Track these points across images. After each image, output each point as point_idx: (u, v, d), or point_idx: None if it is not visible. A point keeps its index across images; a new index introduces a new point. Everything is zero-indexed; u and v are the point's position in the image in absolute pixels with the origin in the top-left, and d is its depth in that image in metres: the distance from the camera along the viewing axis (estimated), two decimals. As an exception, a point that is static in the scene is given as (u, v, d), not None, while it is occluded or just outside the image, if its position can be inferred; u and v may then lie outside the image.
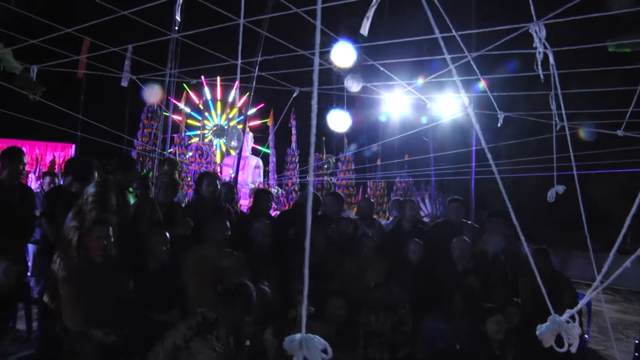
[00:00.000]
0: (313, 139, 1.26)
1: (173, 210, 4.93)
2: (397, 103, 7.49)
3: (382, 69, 5.09)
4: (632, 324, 8.14)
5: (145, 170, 13.02)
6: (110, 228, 3.89)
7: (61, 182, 6.72)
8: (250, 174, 15.79)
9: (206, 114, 20.29)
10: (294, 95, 7.32)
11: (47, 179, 7.23)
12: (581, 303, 1.36)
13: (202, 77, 14.31)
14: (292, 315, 4.08)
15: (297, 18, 4.07)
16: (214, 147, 18.27)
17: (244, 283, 3.68)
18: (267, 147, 17.30)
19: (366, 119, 14.18)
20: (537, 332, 1.22)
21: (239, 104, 18.80)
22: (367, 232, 5.56)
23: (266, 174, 16.68)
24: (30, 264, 6.17)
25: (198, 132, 19.20)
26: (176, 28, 6.93)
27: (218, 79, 16.54)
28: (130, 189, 5.64)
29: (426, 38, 3.83)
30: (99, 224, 3.84)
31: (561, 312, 1.37)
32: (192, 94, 19.04)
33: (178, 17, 6.05)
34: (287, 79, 7.12)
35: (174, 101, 13.38)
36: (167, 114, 10.75)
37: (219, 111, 20.76)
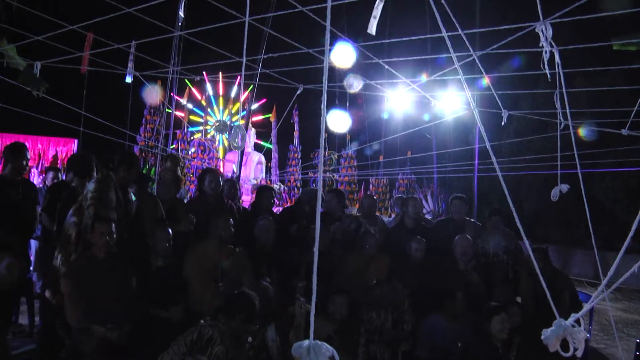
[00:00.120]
0: (323, 137, 1.26)
1: (176, 207, 4.93)
2: (401, 100, 7.48)
3: (386, 67, 5.07)
4: (633, 323, 8.15)
5: (147, 166, 13.02)
6: (113, 225, 3.89)
7: (63, 178, 6.73)
8: (252, 170, 15.81)
9: (208, 110, 20.29)
10: (298, 92, 7.30)
11: (51, 174, 7.24)
12: (586, 307, 1.36)
13: (204, 73, 14.31)
14: (291, 313, 4.07)
15: (300, 15, 4.05)
16: (217, 142, 18.28)
17: (246, 293, 3.63)
18: (270, 143, 17.29)
19: (369, 115, 14.17)
20: (542, 337, 1.22)
21: (242, 98, 18.81)
22: (369, 229, 5.56)
23: (268, 169, 16.69)
24: (32, 258, 6.19)
25: (200, 127, 19.21)
26: (180, 24, 6.93)
27: (220, 75, 16.54)
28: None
29: (432, 37, 3.82)
30: (102, 221, 3.83)
31: (561, 310, 1.36)
32: (194, 90, 19.03)
33: (182, 14, 6.05)
34: (290, 76, 7.11)
35: (177, 97, 13.37)
36: (170, 111, 10.75)
37: (221, 107, 20.77)
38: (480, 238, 5.58)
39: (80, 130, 8.09)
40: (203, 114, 20.16)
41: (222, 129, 19.86)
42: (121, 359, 3.54)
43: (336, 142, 16.33)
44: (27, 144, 7.10)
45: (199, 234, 4.69)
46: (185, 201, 6.48)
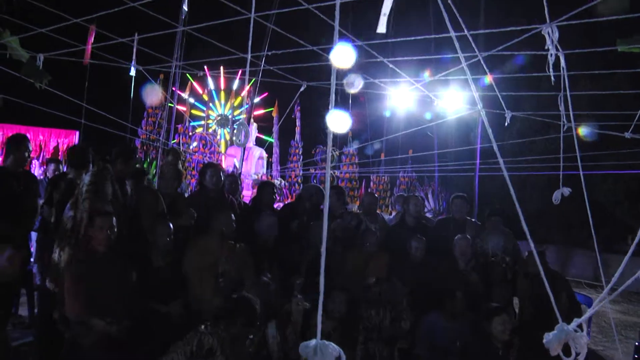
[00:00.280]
0: (330, 135, 1.26)
1: (177, 201, 4.93)
2: (403, 99, 7.47)
3: (391, 65, 5.06)
4: (632, 325, 8.14)
5: (149, 160, 13.01)
6: (114, 218, 3.88)
7: (64, 170, 6.72)
8: (253, 165, 15.81)
9: (210, 104, 20.27)
10: (302, 89, 7.29)
11: (52, 166, 7.23)
12: (589, 312, 1.36)
13: (206, 67, 14.27)
14: (288, 310, 4.07)
15: (304, 12, 4.03)
16: (218, 136, 18.27)
17: (247, 297, 3.62)
18: (271, 137, 17.28)
19: (371, 113, 14.16)
20: (544, 341, 1.22)
21: (243, 93, 18.79)
22: (370, 227, 5.56)
23: (269, 165, 16.69)
24: (33, 250, 6.19)
25: (202, 122, 19.20)
26: (182, 18, 6.90)
27: (221, 69, 16.52)
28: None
29: (438, 37, 3.80)
30: (103, 215, 3.82)
31: (559, 312, 1.36)
32: (196, 85, 19.01)
33: (185, 7, 6.04)
34: (293, 72, 7.10)
35: (178, 92, 13.36)
36: (172, 105, 10.74)
37: (222, 101, 20.75)
38: (479, 238, 5.59)
39: (82, 123, 8.08)
40: (205, 109, 20.14)
41: (223, 123, 19.86)
42: (120, 353, 3.54)
43: (337, 139, 16.31)
44: (28, 135, 7.10)
45: (200, 229, 4.69)
46: (186, 195, 6.48)
